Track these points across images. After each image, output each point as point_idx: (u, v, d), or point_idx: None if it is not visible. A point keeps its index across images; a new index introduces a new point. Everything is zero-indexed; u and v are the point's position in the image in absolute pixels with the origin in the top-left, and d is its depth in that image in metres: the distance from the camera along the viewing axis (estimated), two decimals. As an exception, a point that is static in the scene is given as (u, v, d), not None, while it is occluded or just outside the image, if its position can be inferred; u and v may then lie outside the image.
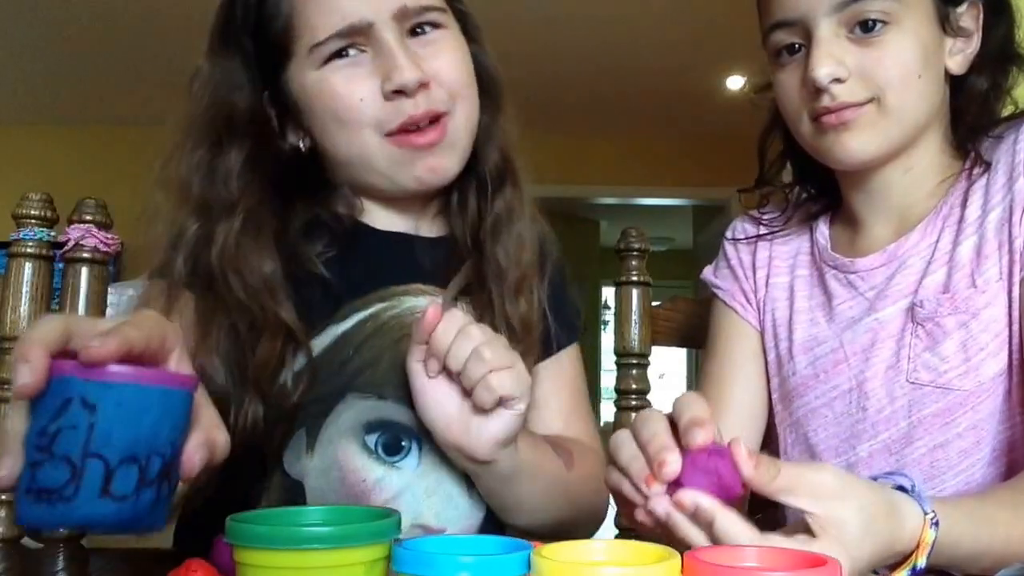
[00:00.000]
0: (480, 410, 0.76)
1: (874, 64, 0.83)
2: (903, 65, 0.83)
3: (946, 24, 0.86)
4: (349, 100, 0.83)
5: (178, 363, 0.58)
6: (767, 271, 1.01)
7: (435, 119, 0.85)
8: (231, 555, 0.52)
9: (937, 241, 0.88)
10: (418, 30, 0.86)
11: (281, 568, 0.50)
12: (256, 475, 0.85)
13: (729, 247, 1.07)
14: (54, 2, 3.96)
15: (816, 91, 0.84)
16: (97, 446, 0.50)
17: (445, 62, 0.86)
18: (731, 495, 0.60)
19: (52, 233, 1.07)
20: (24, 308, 1.05)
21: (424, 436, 0.83)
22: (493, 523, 0.89)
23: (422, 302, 0.89)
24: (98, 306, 1.09)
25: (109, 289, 1.11)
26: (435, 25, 0.86)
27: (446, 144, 0.86)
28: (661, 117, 5.50)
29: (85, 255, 1.07)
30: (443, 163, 0.87)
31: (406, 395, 0.84)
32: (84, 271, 1.08)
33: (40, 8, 4.01)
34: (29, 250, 1.05)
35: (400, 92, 0.83)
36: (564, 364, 1.00)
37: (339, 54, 0.84)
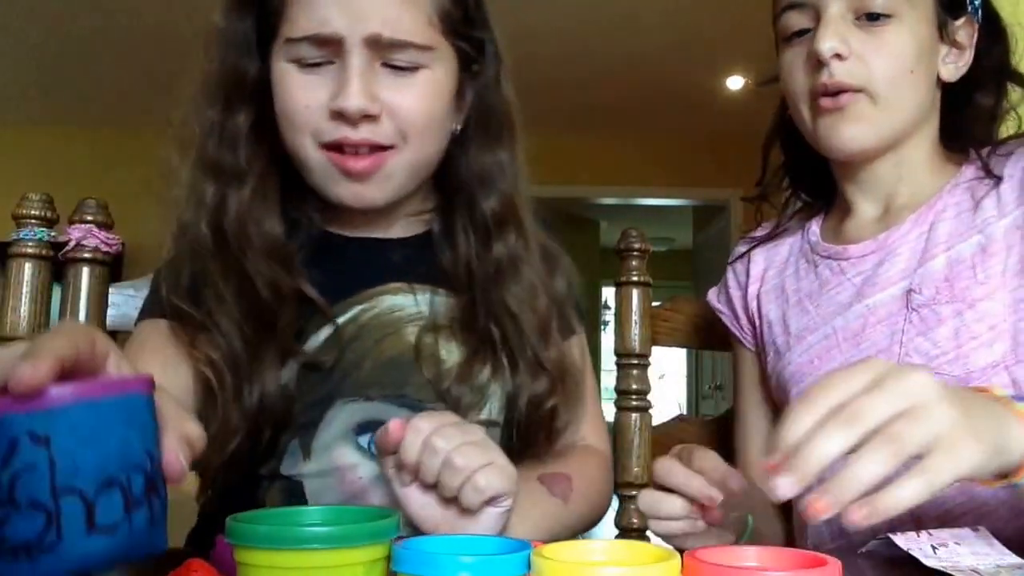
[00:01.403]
0: (467, 512, 0.71)
1: (872, 52, 0.88)
2: (898, 58, 0.89)
3: (943, 32, 0.92)
4: (296, 104, 0.83)
5: (118, 367, 0.52)
6: (760, 284, 1.06)
7: (376, 149, 0.84)
8: (232, 555, 0.52)
9: (929, 232, 0.92)
10: (396, 63, 0.83)
11: (281, 568, 0.50)
12: (256, 484, 0.85)
13: (729, 272, 1.11)
14: (55, 4, 3.96)
15: (817, 66, 0.89)
16: (66, 480, 0.44)
17: (406, 99, 0.83)
18: None
19: (52, 233, 1.06)
20: (24, 308, 1.05)
21: None
22: None
23: (400, 300, 0.89)
24: (99, 306, 1.09)
25: (110, 289, 1.11)
26: (413, 65, 0.83)
27: (379, 176, 0.85)
28: (661, 117, 5.50)
29: (86, 255, 1.07)
30: (369, 193, 0.86)
31: (392, 394, 0.85)
32: (85, 271, 1.08)
33: (41, 9, 4.01)
34: (29, 250, 1.05)
35: (341, 115, 0.82)
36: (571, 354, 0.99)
37: (312, 64, 0.83)
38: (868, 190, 0.97)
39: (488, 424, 0.88)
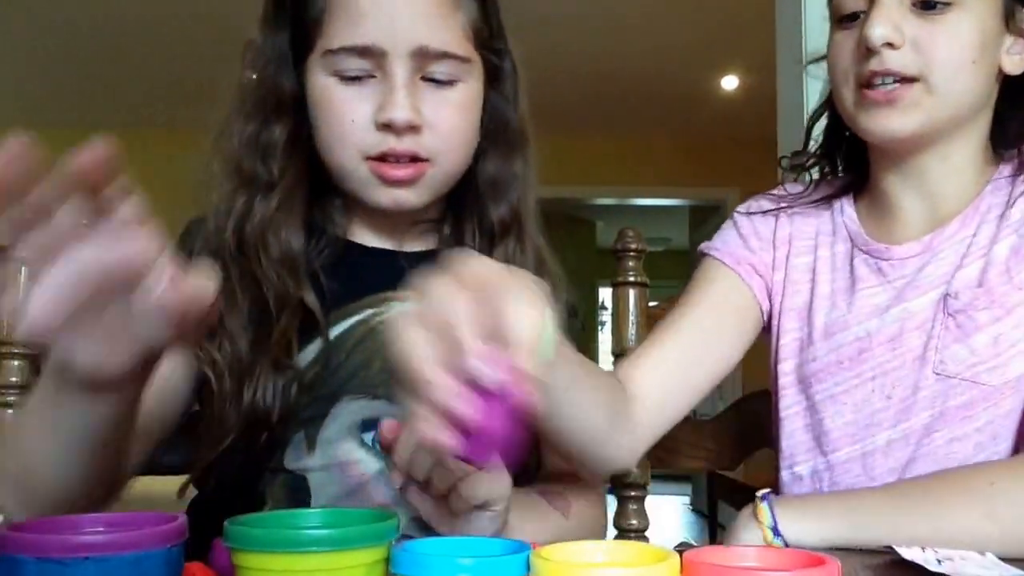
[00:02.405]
0: (456, 514, 0.71)
1: (930, 40, 0.83)
2: (958, 48, 0.83)
3: (1010, 21, 0.86)
4: (342, 119, 0.85)
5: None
6: (788, 249, 1.00)
7: (414, 159, 0.86)
8: (229, 558, 0.52)
9: (974, 235, 0.88)
10: (436, 76, 0.85)
11: (279, 571, 0.50)
12: (259, 476, 0.86)
13: (743, 220, 1.03)
14: (56, 5, 3.96)
15: (867, 53, 0.84)
16: None
17: (446, 114, 0.86)
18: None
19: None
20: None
21: None
22: None
23: (410, 307, 0.90)
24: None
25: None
26: (452, 79, 0.86)
27: (418, 185, 0.87)
28: (658, 117, 5.51)
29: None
30: (409, 198, 0.88)
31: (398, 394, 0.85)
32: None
33: (42, 11, 4.01)
34: (27, 252, 1.05)
35: (388, 126, 0.83)
36: None
37: (354, 77, 0.84)
38: (912, 185, 0.92)
39: None
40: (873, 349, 0.90)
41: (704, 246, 1.04)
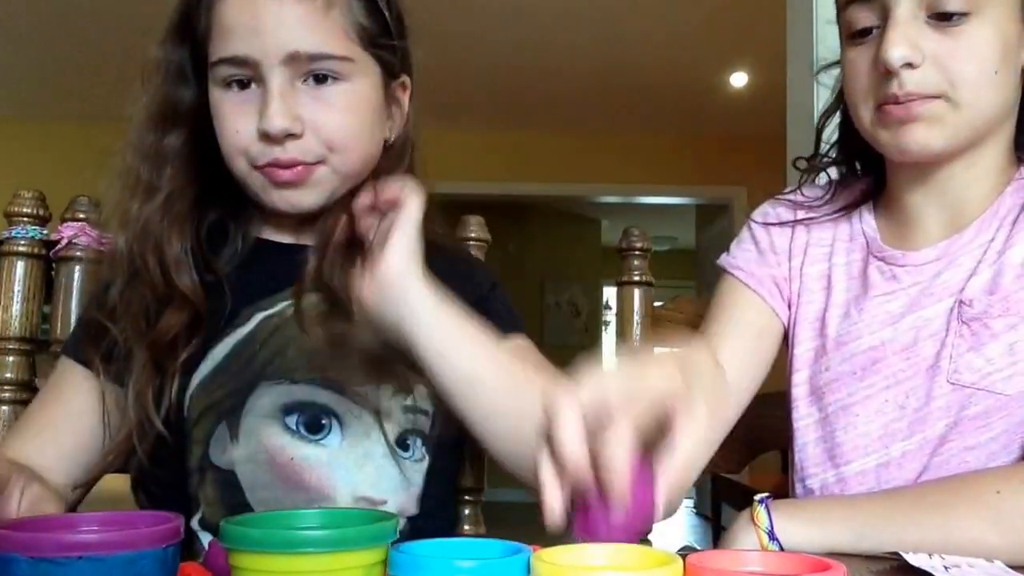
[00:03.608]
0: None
1: (950, 55, 0.80)
2: (980, 59, 0.80)
3: None
4: (231, 130, 0.87)
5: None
6: (803, 258, 0.97)
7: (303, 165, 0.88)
8: (225, 559, 0.51)
9: (991, 240, 0.86)
10: (319, 77, 0.86)
11: (277, 572, 0.49)
12: (187, 472, 0.87)
13: (759, 231, 1.01)
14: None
15: (886, 74, 0.81)
16: None
17: (327, 116, 0.87)
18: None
19: (44, 231, 1.07)
20: (16, 307, 1.05)
21: (343, 414, 0.86)
22: (433, 494, 0.91)
23: None
24: (93, 305, 1.09)
25: (104, 288, 1.11)
26: (334, 76, 0.87)
27: (307, 183, 0.89)
28: (664, 115, 5.49)
29: (78, 254, 1.07)
30: (300, 198, 0.89)
31: (318, 378, 0.87)
32: (77, 270, 1.08)
33: (35, 1, 4.01)
34: (21, 249, 1.06)
35: (267, 136, 0.85)
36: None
37: (239, 82, 0.87)
38: (934, 193, 0.89)
39: (415, 411, 0.90)
40: (888, 358, 0.88)
41: (724, 261, 1.02)
